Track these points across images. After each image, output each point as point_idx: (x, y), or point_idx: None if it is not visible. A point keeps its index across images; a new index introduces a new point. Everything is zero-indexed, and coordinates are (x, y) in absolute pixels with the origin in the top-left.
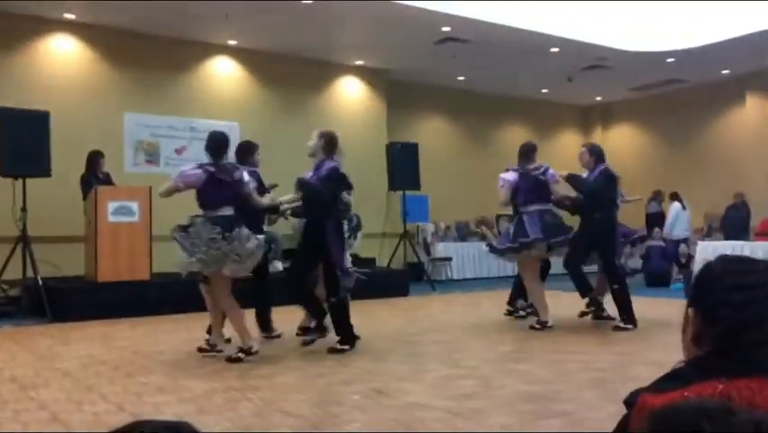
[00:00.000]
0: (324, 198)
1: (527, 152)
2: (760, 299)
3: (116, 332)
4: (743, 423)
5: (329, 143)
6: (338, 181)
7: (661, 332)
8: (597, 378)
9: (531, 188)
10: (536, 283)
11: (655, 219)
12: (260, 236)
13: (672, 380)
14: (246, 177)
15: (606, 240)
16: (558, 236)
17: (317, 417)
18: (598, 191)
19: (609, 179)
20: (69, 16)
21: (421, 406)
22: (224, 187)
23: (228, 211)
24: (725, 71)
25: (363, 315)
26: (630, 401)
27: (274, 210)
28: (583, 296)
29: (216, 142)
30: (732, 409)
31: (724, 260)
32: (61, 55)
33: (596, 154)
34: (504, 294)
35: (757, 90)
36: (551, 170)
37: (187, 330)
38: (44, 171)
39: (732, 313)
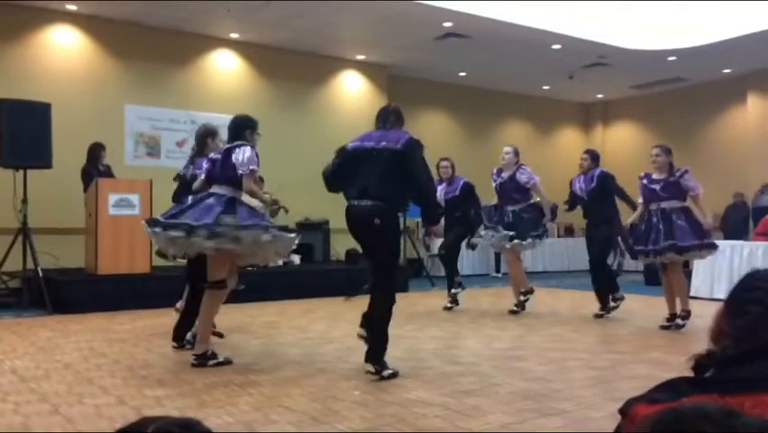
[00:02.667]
0: None
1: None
2: None
3: (116, 325)
4: (746, 425)
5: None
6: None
7: (660, 331)
8: (596, 376)
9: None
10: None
11: (763, 214)
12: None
13: (666, 391)
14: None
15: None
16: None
17: (317, 412)
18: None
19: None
20: (71, 7)
21: (420, 402)
22: None
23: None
24: (726, 70)
25: (363, 311)
26: (624, 410)
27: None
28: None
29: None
30: (733, 412)
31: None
32: (62, 47)
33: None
34: (502, 290)
35: (758, 89)
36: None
37: None
38: (45, 163)
39: (758, 309)
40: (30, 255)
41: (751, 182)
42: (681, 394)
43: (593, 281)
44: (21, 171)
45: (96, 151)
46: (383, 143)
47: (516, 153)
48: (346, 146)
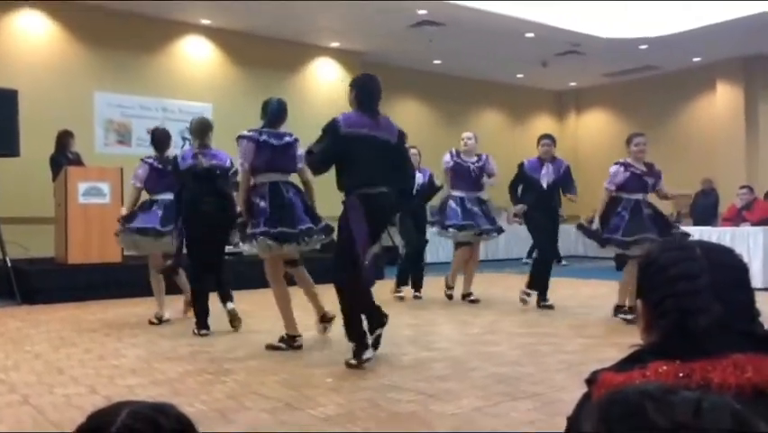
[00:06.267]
0: None
1: None
2: (703, 287)
3: (87, 315)
4: (683, 401)
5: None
6: None
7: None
8: (567, 360)
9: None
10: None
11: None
12: None
13: (631, 361)
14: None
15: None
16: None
17: (292, 398)
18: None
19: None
20: None
21: (395, 388)
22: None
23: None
24: (696, 59)
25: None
26: (591, 380)
27: None
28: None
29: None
30: (672, 389)
31: (664, 250)
32: (30, 33)
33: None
34: (476, 277)
35: (727, 78)
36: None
37: None
38: (12, 151)
39: (678, 304)
40: None
41: (720, 169)
42: (645, 363)
43: (545, 271)
44: None
45: (64, 138)
46: (383, 134)
47: (476, 139)
48: (337, 127)
